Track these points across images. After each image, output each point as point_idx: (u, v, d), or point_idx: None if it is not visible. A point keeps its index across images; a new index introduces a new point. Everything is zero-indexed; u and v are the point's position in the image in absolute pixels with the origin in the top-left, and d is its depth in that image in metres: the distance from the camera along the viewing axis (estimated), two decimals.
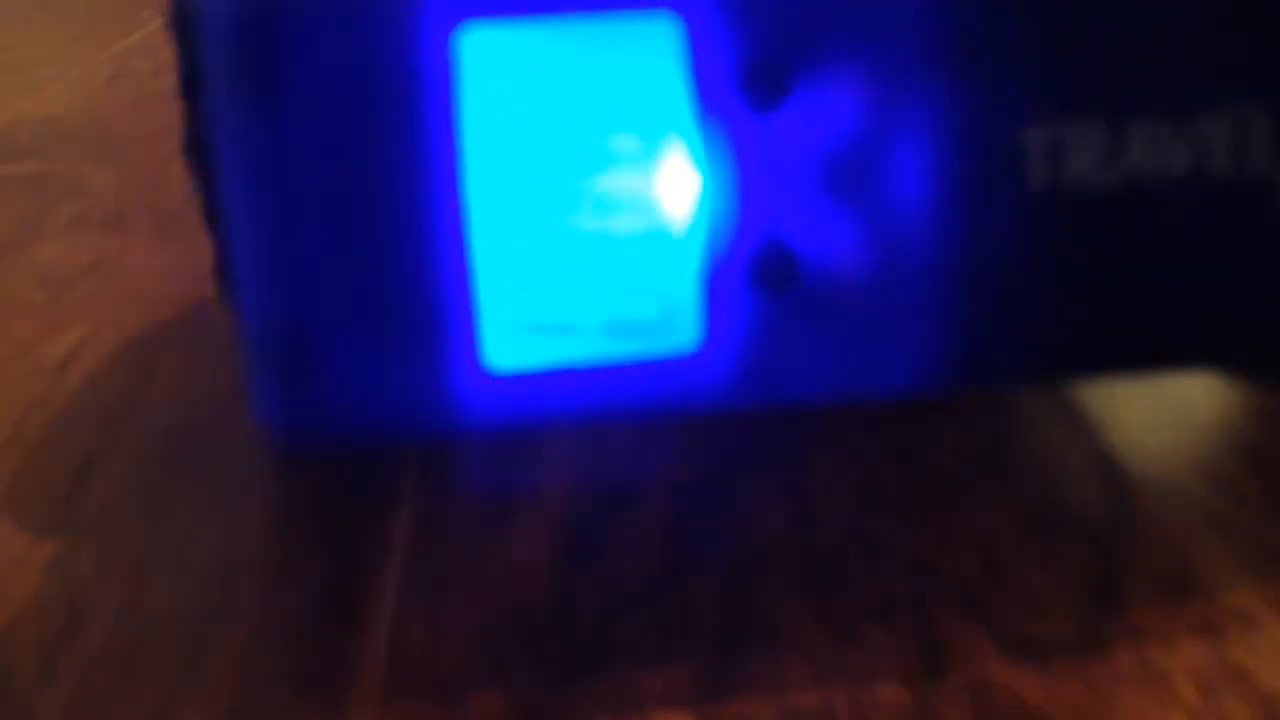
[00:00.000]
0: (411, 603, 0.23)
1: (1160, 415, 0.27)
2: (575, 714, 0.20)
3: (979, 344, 0.19)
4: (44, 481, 0.26)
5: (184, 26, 0.22)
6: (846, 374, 0.19)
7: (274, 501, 0.26)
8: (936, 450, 0.26)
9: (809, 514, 0.24)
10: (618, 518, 0.25)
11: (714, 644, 0.21)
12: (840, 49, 0.18)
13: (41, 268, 0.37)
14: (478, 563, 0.24)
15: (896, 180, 0.19)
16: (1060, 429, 0.27)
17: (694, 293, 0.19)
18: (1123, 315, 0.19)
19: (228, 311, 0.23)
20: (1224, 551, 0.23)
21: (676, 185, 0.19)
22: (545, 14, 0.18)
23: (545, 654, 0.21)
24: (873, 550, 0.23)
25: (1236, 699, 0.20)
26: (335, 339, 0.18)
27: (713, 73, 0.18)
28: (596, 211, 0.19)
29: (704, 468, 0.26)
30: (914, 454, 0.26)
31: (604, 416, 0.20)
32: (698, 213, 0.19)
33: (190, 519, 0.25)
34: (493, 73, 0.18)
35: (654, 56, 0.18)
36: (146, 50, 0.60)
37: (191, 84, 0.22)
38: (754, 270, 0.19)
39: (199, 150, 0.22)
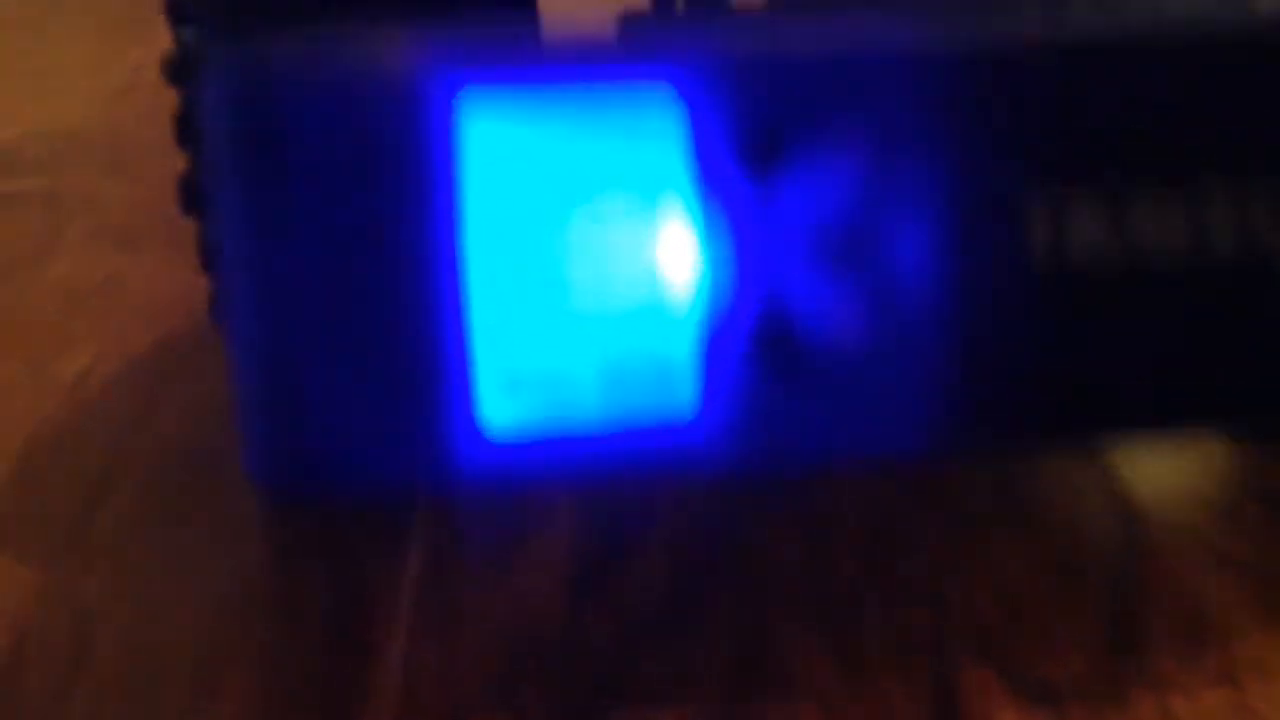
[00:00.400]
0: (423, 634, 0.22)
1: (1178, 459, 0.27)
2: None
3: (976, 413, 0.19)
4: (54, 506, 0.26)
5: (182, 71, 0.22)
6: (844, 441, 0.19)
7: (284, 530, 0.26)
8: (955, 490, 0.26)
9: (824, 551, 0.24)
10: (630, 550, 0.24)
11: (726, 682, 0.21)
12: (838, 118, 0.18)
13: (55, 284, 0.37)
14: (489, 593, 0.23)
15: (895, 249, 0.19)
16: (1079, 471, 0.26)
17: (692, 358, 0.19)
18: (1124, 383, 0.19)
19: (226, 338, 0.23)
20: (1242, 598, 0.23)
21: (675, 252, 0.19)
22: (546, 83, 0.18)
23: (558, 687, 0.21)
24: (888, 590, 0.23)
25: None
26: (331, 397, 0.18)
27: (711, 142, 0.19)
28: (595, 276, 0.19)
29: (719, 503, 0.26)
30: (932, 494, 0.26)
31: (600, 480, 0.20)
32: (696, 279, 0.19)
33: (200, 546, 0.25)
34: (493, 139, 0.18)
35: (653, 125, 0.19)
36: None
37: (188, 131, 0.22)
38: (752, 337, 0.19)
39: (196, 196, 0.22)
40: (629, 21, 0.20)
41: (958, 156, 0.19)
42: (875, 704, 0.21)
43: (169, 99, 0.28)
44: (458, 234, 0.18)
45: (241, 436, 0.19)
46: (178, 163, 0.29)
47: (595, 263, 0.19)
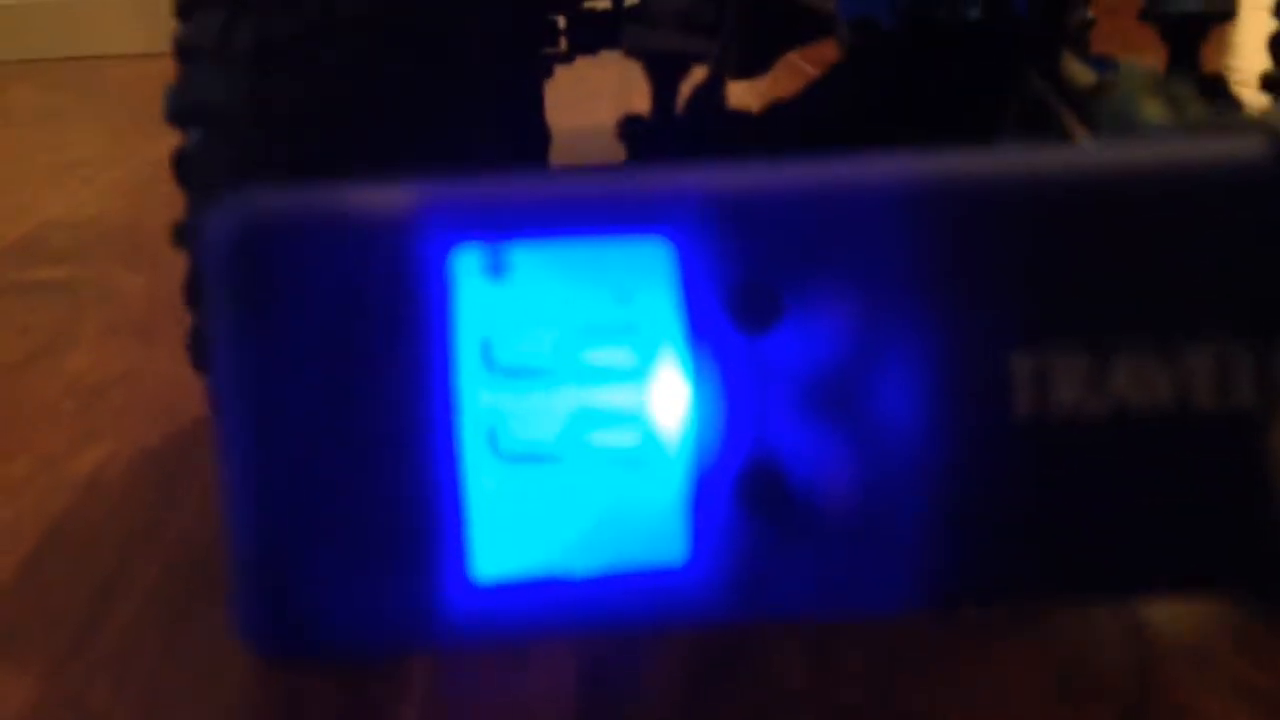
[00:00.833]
0: None
1: None
2: None
3: (964, 565, 0.20)
4: (64, 608, 0.26)
5: (187, 236, 0.22)
6: (832, 591, 0.19)
7: None
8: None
9: (832, 667, 0.24)
10: (639, 660, 0.24)
11: None
12: (829, 274, 0.19)
13: (73, 378, 0.37)
14: (496, 700, 0.23)
15: (883, 402, 0.19)
16: None
17: (682, 507, 0.19)
18: (1107, 540, 0.20)
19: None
20: None
21: (667, 402, 0.19)
22: (539, 235, 0.19)
23: None
24: (894, 709, 0.23)
25: None
26: (322, 552, 0.19)
27: (703, 294, 0.19)
28: (587, 426, 0.19)
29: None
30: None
31: (590, 629, 0.20)
32: (687, 429, 0.19)
33: (206, 651, 0.25)
34: (486, 290, 0.19)
35: (646, 277, 0.19)
36: None
37: (195, 290, 0.23)
38: (741, 487, 0.19)
39: (201, 349, 0.22)
40: (621, 173, 0.21)
41: (946, 312, 0.19)
42: None
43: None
44: (451, 386, 0.19)
45: (232, 596, 0.19)
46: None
47: (587, 412, 0.19)
